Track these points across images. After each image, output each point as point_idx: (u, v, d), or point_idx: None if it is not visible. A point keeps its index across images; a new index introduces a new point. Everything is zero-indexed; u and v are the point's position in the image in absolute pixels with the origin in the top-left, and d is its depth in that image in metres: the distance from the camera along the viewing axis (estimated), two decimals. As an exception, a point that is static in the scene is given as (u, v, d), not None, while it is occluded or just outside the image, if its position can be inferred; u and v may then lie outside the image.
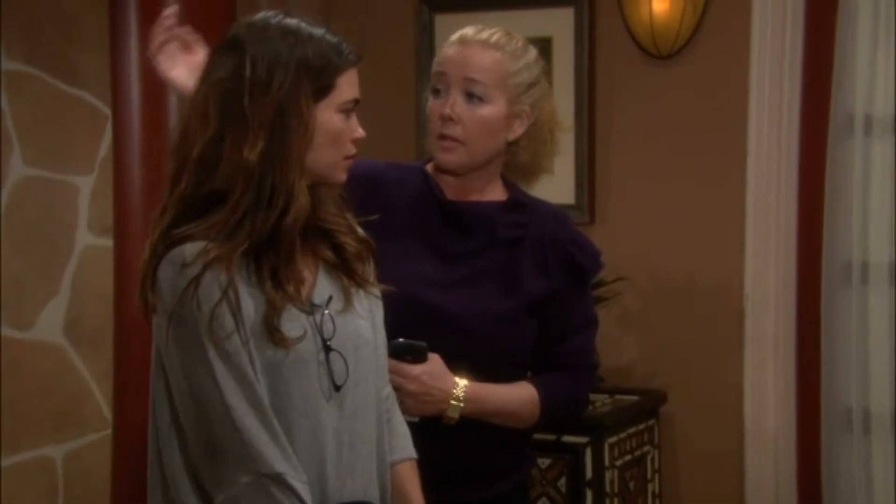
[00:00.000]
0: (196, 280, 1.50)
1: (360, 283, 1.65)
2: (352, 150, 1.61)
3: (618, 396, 3.30)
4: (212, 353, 1.50)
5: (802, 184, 3.21)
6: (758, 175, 3.23)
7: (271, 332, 1.54)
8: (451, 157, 1.93)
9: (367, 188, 1.92)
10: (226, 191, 1.53)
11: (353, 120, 1.61)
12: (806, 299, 3.22)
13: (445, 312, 1.90)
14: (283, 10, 1.59)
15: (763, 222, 3.22)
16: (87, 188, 3.36)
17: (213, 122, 1.53)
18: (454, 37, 1.95)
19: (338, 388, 1.58)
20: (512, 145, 1.97)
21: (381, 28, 3.70)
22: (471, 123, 1.91)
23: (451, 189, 1.97)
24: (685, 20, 3.34)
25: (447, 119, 1.92)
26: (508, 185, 2.02)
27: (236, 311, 1.52)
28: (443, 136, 1.93)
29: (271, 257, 1.55)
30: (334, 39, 1.57)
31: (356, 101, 1.60)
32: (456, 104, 1.91)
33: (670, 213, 3.43)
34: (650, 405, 3.35)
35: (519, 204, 1.99)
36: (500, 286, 1.94)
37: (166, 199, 1.57)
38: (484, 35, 1.93)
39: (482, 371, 1.93)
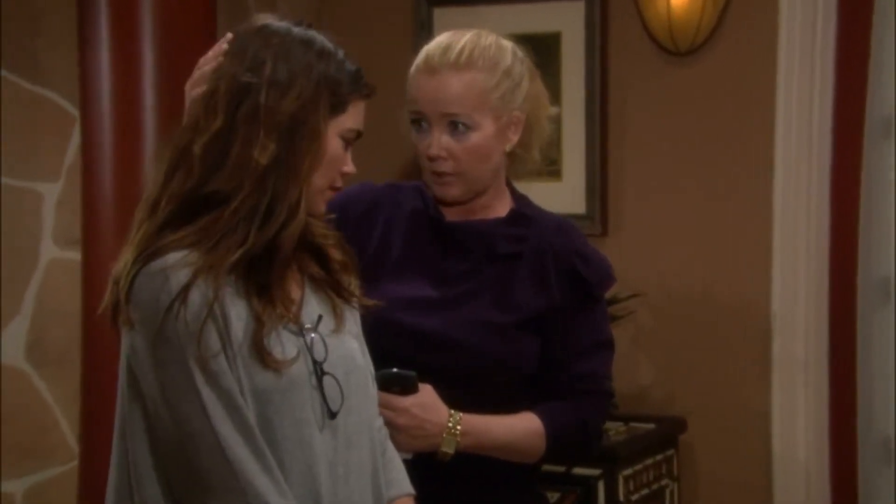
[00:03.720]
0: (182, 295, 1.50)
1: (347, 296, 1.67)
2: (339, 181, 1.65)
3: (633, 424, 3.29)
4: (199, 378, 1.50)
5: (835, 192, 3.20)
6: (786, 182, 3.23)
7: (262, 354, 1.53)
8: (452, 192, 1.95)
9: (365, 213, 1.98)
10: (228, 192, 1.54)
11: (349, 154, 1.65)
12: (839, 318, 3.21)
13: (432, 330, 1.91)
14: (301, 20, 1.63)
15: (792, 234, 3.22)
16: (53, 196, 3.35)
17: (220, 115, 1.55)
18: (419, 60, 1.95)
19: (333, 416, 1.59)
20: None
21: (376, 24, 3.71)
22: (462, 156, 1.92)
23: (453, 210, 1.99)
24: (706, 14, 3.34)
25: (436, 158, 1.93)
26: (516, 197, 2.03)
27: (223, 330, 1.52)
28: (437, 174, 1.95)
29: (262, 273, 1.56)
30: (354, 66, 1.63)
31: (359, 135, 1.65)
32: (441, 140, 1.92)
33: (690, 223, 3.42)
34: (668, 434, 3.34)
35: (522, 217, 2.00)
36: (493, 301, 1.94)
37: (156, 195, 1.57)
38: (451, 55, 1.92)
39: (479, 394, 1.92)
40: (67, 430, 3.34)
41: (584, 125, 3.49)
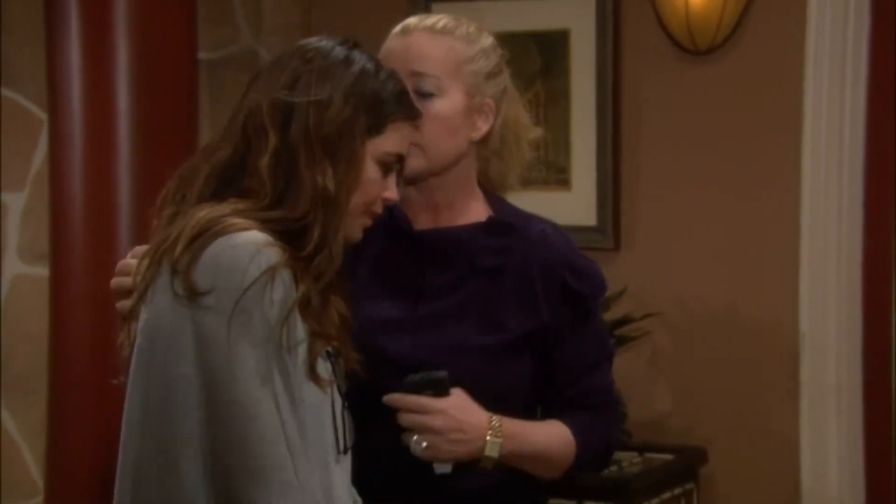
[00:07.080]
0: (271, 271, 1.53)
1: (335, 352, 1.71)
2: (379, 207, 1.71)
3: (649, 455, 3.29)
4: (274, 363, 1.54)
5: (868, 200, 3.20)
6: (815, 192, 3.22)
7: (311, 368, 1.59)
8: (412, 162, 1.90)
9: None
10: (299, 218, 1.61)
11: (391, 179, 1.71)
12: (874, 338, 3.20)
13: (409, 357, 1.88)
14: (346, 39, 1.71)
15: (822, 247, 3.21)
16: (18, 207, 3.35)
17: (272, 133, 1.62)
18: (396, 28, 1.96)
19: (346, 450, 1.64)
20: (480, 149, 1.96)
21: (372, 21, 3.68)
22: (425, 123, 1.88)
23: (422, 216, 1.96)
24: (727, 9, 3.34)
25: None
26: (494, 201, 2.00)
27: (293, 330, 1.56)
28: None
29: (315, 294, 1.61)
30: (398, 86, 1.71)
31: (399, 159, 1.70)
32: None
33: (710, 236, 3.41)
34: (687, 465, 3.33)
35: (502, 224, 1.96)
36: (478, 322, 1.92)
37: (236, 203, 1.61)
38: (429, 21, 1.93)
39: None
40: (31, 462, 3.33)
41: (595, 130, 3.48)
